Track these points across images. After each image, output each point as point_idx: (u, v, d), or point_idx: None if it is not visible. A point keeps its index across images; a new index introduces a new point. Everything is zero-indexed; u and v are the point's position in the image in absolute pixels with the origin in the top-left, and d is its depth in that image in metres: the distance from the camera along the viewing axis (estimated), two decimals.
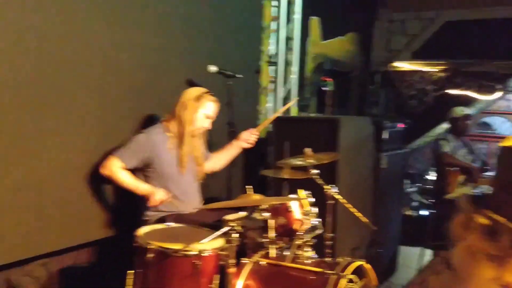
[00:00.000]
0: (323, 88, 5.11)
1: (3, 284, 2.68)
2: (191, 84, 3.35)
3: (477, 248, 0.77)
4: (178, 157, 2.92)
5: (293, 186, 3.19)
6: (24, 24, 2.50)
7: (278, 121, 4.11)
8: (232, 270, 2.06)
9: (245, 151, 4.41)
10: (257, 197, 2.25)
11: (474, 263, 0.78)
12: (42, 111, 2.63)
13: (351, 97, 6.46)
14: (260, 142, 4.78)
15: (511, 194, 0.83)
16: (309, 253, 2.44)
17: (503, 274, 0.76)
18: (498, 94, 6.48)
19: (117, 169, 2.81)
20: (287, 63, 4.87)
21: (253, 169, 4.64)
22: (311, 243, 2.47)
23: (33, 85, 2.57)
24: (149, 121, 3.25)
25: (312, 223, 2.47)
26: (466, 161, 4.58)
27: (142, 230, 2.36)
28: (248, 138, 3.27)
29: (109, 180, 2.96)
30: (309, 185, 2.81)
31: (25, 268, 2.72)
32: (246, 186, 2.32)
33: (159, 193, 2.78)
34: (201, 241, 2.01)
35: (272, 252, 2.42)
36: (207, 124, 3.00)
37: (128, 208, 2.98)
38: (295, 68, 4.89)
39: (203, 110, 2.95)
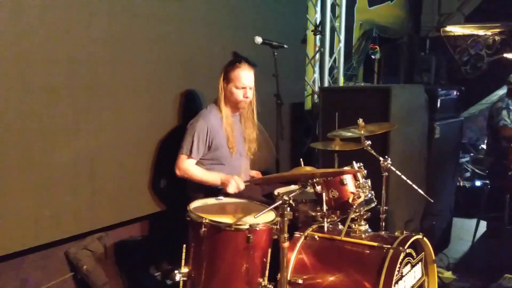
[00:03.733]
0: (372, 56, 4.95)
1: (62, 258, 2.77)
2: (236, 56, 3.30)
3: None
4: (227, 137, 2.89)
5: (343, 159, 3.12)
6: (74, 4, 2.50)
7: (325, 92, 4.02)
8: (285, 244, 2.02)
9: (292, 124, 4.37)
10: (309, 169, 2.19)
11: None
12: (94, 88, 2.65)
13: (400, 65, 6.22)
14: (306, 114, 4.71)
15: None
16: (364, 226, 2.37)
17: None
18: None
19: (189, 167, 2.82)
20: (333, 32, 4.70)
21: (300, 142, 4.57)
22: (366, 217, 2.40)
23: (83, 63, 2.58)
24: (196, 98, 3.24)
25: (367, 196, 2.39)
26: None
27: (194, 205, 2.36)
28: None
29: (162, 156, 2.99)
30: (359, 157, 2.72)
31: (82, 242, 2.80)
32: (301, 159, 2.27)
33: (235, 181, 2.73)
34: (256, 216, 1.98)
35: (326, 225, 2.37)
36: (242, 96, 2.87)
37: (179, 183, 2.99)
38: (341, 36, 4.73)
39: (233, 84, 2.86)
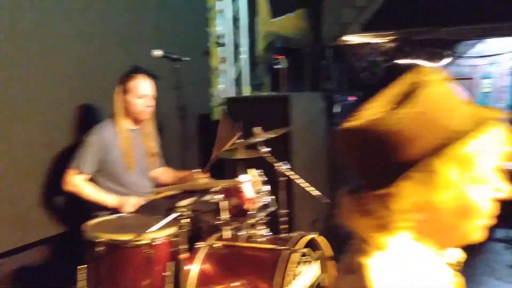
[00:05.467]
0: (275, 66, 5.11)
1: None
2: (136, 69, 3.27)
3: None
4: (123, 152, 2.79)
5: (249, 166, 3.19)
6: None
7: (230, 102, 4.10)
8: (184, 256, 2.04)
9: (200, 135, 4.40)
10: (204, 180, 2.22)
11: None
12: None
13: (305, 74, 6.47)
14: (213, 124, 4.76)
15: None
16: (263, 231, 2.44)
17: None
18: (447, 60, 6.63)
19: (80, 183, 2.69)
20: (236, 43, 4.82)
21: (209, 152, 4.60)
22: (265, 221, 2.47)
23: None
24: (93, 113, 3.17)
25: (264, 201, 2.47)
26: None
27: (90, 223, 2.30)
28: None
29: (59, 175, 2.88)
30: (263, 163, 2.82)
31: None
32: (192, 170, 2.30)
33: (130, 203, 2.65)
34: (148, 230, 1.98)
35: (227, 233, 2.41)
36: (143, 105, 2.81)
37: (78, 203, 2.90)
38: (244, 48, 4.85)
39: (132, 94, 2.80)
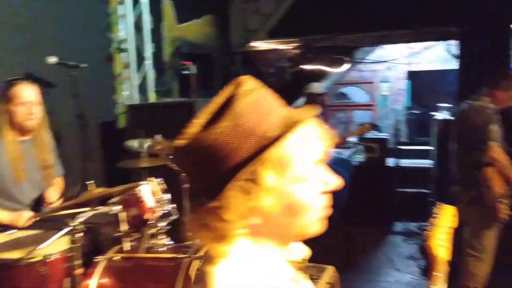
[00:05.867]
0: (184, 72, 5.10)
1: None
2: (30, 77, 3.11)
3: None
4: (11, 165, 2.63)
5: (153, 174, 3.16)
6: None
7: (132, 109, 4.03)
8: (79, 271, 1.97)
9: (103, 144, 4.27)
10: (98, 191, 2.16)
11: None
12: None
13: (215, 79, 6.50)
14: (118, 132, 4.64)
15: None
16: (164, 240, 2.42)
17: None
18: (347, 66, 7.01)
19: None
20: (140, 49, 4.75)
21: (115, 161, 4.47)
22: (165, 231, 2.46)
23: None
24: None
25: (164, 210, 2.45)
26: None
27: None
28: None
29: None
30: (169, 171, 2.79)
31: None
32: (87, 182, 2.22)
33: (24, 217, 2.50)
34: (39, 246, 1.89)
35: (126, 245, 2.36)
36: (25, 113, 2.65)
37: None
38: (148, 54, 4.79)
39: (13, 102, 2.64)
